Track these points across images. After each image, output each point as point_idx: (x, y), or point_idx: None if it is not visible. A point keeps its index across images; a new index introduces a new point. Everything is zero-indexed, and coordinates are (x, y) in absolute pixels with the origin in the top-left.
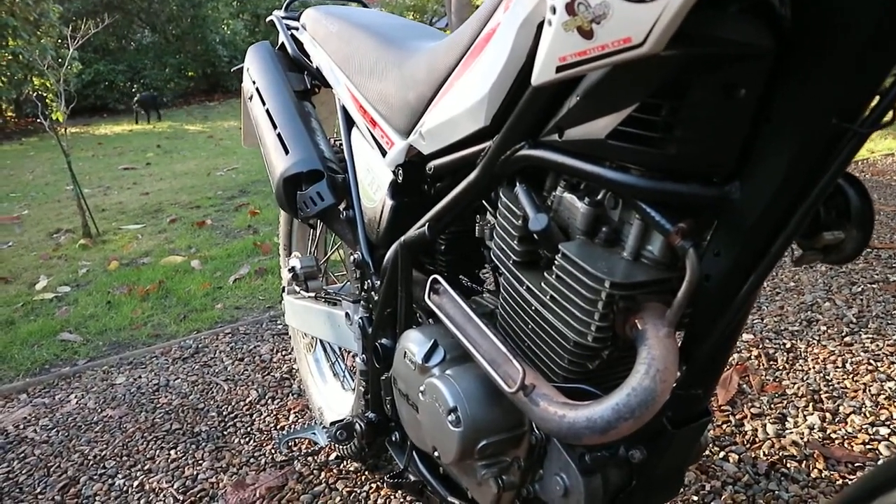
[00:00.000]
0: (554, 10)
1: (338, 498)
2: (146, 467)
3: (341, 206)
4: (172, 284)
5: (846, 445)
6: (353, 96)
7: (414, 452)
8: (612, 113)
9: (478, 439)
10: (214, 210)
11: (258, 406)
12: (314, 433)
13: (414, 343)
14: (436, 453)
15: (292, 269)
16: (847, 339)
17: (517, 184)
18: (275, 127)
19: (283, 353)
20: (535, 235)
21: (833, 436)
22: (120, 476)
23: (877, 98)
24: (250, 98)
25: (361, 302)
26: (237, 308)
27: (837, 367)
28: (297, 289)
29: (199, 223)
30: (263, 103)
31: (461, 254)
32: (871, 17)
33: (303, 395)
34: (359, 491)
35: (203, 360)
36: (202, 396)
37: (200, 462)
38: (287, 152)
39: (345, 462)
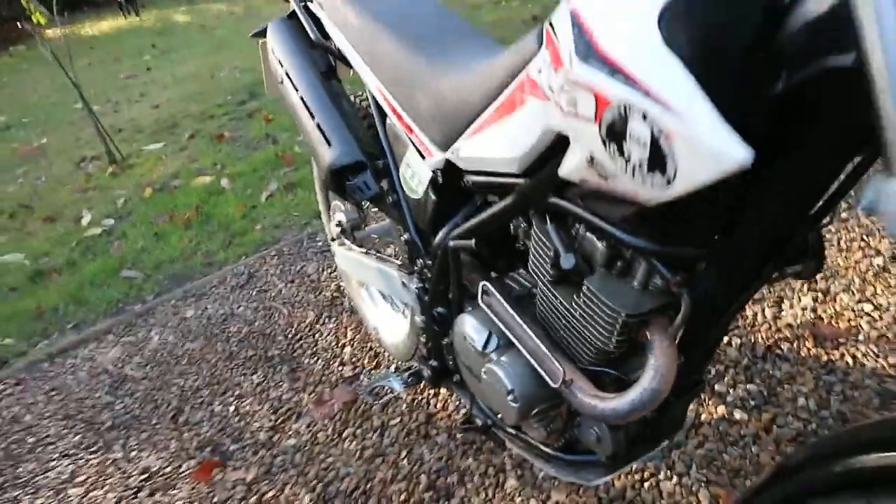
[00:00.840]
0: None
1: (403, 405)
2: (236, 393)
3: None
4: (209, 208)
5: (833, 323)
6: (386, 99)
7: (476, 400)
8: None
9: (531, 409)
10: (228, 119)
11: (318, 326)
12: (390, 381)
13: (472, 330)
14: (499, 415)
15: (339, 223)
16: (843, 214)
17: (548, 221)
18: (312, 116)
19: (328, 271)
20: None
21: (822, 315)
22: (217, 403)
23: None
24: (281, 82)
25: (416, 275)
26: (276, 227)
27: (832, 244)
28: (346, 241)
29: (218, 136)
30: (296, 89)
31: (503, 255)
32: (826, 143)
33: (355, 313)
34: (420, 398)
35: (258, 286)
36: (267, 322)
37: (280, 384)
38: (329, 144)
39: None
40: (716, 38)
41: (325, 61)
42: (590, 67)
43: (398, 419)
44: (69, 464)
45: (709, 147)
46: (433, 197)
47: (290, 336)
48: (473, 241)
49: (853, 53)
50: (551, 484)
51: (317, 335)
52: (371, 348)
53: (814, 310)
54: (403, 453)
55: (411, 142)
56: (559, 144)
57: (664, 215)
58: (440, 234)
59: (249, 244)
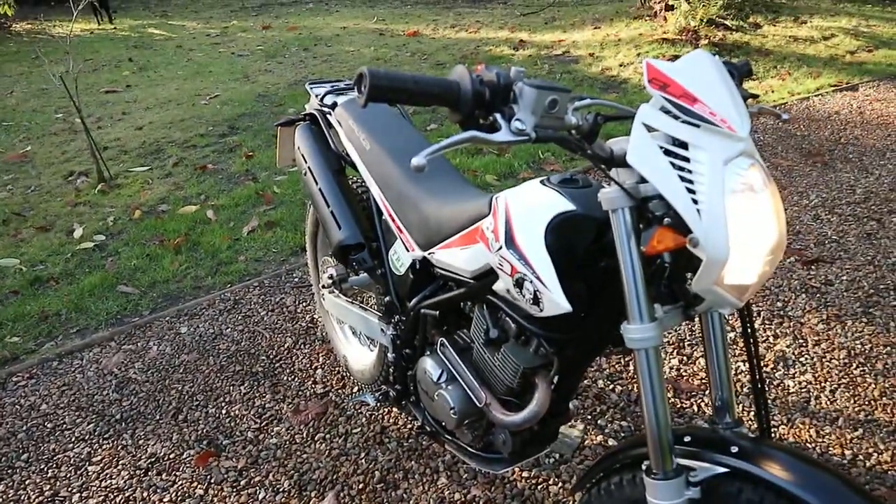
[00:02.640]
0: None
1: (363, 419)
2: (227, 399)
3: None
4: (196, 237)
5: (689, 381)
6: (385, 205)
7: (427, 414)
8: None
9: (463, 420)
10: (211, 151)
11: (295, 350)
12: (366, 397)
13: (431, 367)
14: (443, 424)
15: (331, 277)
16: None
17: (485, 307)
18: (328, 204)
19: (304, 304)
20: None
21: (684, 373)
22: (211, 406)
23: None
24: (305, 173)
25: (391, 325)
26: (257, 261)
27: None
28: (336, 290)
29: (202, 167)
30: (316, 182)
31: (454, 321)
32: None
33: (326, 343)
34: (376, 414)
35: (243, 311)
36: (251, 343)
37: (264, 395)
38: (340, 227)
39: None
40: (568, 249)
41: (338, 162)
42: (511, 253)
43: (359, 429)
44: (85, 447)
45: (556, 303)
46: (411, 276)
47: (271, 356)
48: (438, 312)
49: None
50: (472, 482)
51: (294, 358)
52: (338, 372)
53: (678, 369)
54: (363, 454)
55: (400, 238)
56: (492, 271)
57: (549, 319)
58: (413, 302)
59: (234, 273)
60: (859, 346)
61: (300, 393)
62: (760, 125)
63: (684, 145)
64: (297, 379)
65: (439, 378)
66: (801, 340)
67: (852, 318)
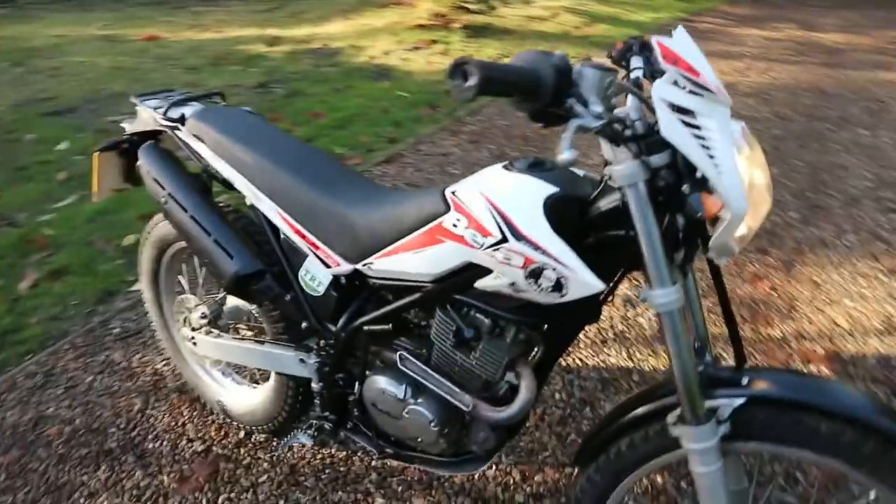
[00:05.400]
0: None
1: (264, 464)
2: (85, 493)
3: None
4: None
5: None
6: (287, 221)
7: (381, 436)
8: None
9: (444, 429)
10: None
11: (149, 411)
12: (299, 437)
13: (389, 385)
14: (419, 439)
15: (204, 315)
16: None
17: (449, 309)
18: (208, 233)
19: (138, 356)
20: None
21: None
22: None
23: None
24: (165, 202)
25: (314, 353)
26: (56, 319)
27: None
28: (213, 330)
29: None
30: (185, 209)
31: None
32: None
33: (184, 392)
34: (275, 455)
35: (63, 383)
36: (89, 417)
37: (133, 473)
38: (231, 257)
39: (254, 435)
40: (567, 229)
41: (202, 183)
42: (522, 244)
43: (265, 476)
44: None
45: (586, 284)
46: (334, 294)
47: (122, 426)
48: (391, 324)
49: (626, 229)
50: (409, 492)
51: (152, 419)
52: (214, 421)
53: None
54: (281, 502)
55: (314, 254)
56: (469, 268)
57: (529, 305)
58: (343, 321)
59: (31, 341)
60: None
61: (177, 458)
62: None
63: (690, 115)
64: (166, 443)
65: (405, 394)
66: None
67: None
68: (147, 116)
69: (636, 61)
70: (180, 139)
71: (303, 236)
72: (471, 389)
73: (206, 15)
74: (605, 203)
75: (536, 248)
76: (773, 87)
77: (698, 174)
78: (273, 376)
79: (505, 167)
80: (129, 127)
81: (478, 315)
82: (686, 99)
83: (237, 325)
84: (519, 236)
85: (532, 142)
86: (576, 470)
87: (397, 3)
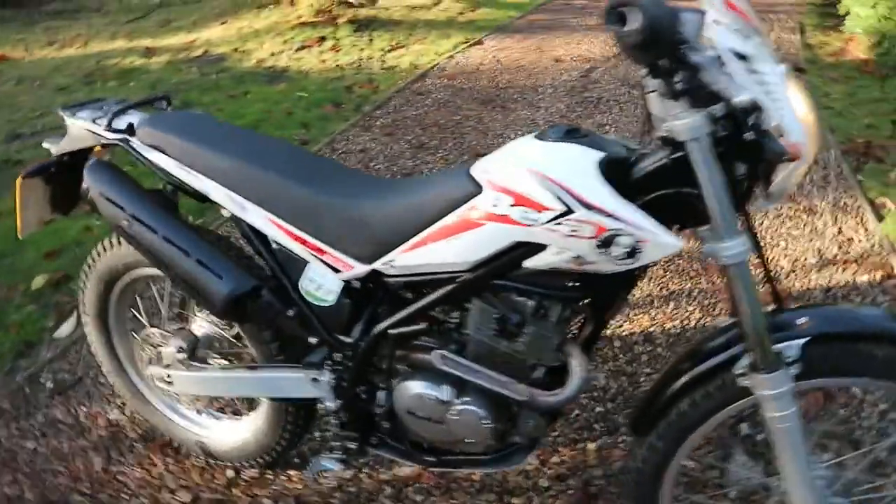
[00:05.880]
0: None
1: (267, 500)
2: None
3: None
4: None
5: None
6: (284, 230)
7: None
8: None
9: (497, 424)
10: None
11: (114, 468)
12: (325, 464)
13: (427, 388)
14: (466, 439)
15: (181, 348)
16: None
17: (489, 296)
18: (187, 254)
19: (84, 407)
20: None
21: None
22: None
23: None
24: (128, 226)
25: (327, 369)
26: None
27: None
28: (194, 363)
29: None
30: (154, 231)
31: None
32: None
33: (150, 440)
34: (275, 488)
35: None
36: (43, 490)
37: None
38: (221, 276)
39: (243, 472)
40: (623, 190)
41: (166, 199)
42: (592, 213)
43: None
44: None
45: (666, 244)
46: (347, 301)
47: (86, 491)
48: (422, 324)
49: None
50: (431, 499)
51: (119, 476)
52: (193, 465)
53: None
54: None
55: (320, 260)
56: (513, 248)
57: (575, 283)
58: (358, 330)
59: None
60: None
61: None
62: (431, 86)
63: (750, 61)
64: (144, 499)
65: (449, 395)
66: None
67: None
68: (81, 131)
69: None
70: (134, 151)
71: (304, 242)
72: (520, 378)
73: (63, 31)
74: (650, 163)
75: (608, 215)
76: None
77: (760, 120)
78: (264, 404)
79: (538, 138)
80: (57, 147)
81: (520, 298)
82: (744, 45)
83: (211, 356)
84: (588, 206)
85: (446, 129)
86: (631, 440)
87: (275, 2)
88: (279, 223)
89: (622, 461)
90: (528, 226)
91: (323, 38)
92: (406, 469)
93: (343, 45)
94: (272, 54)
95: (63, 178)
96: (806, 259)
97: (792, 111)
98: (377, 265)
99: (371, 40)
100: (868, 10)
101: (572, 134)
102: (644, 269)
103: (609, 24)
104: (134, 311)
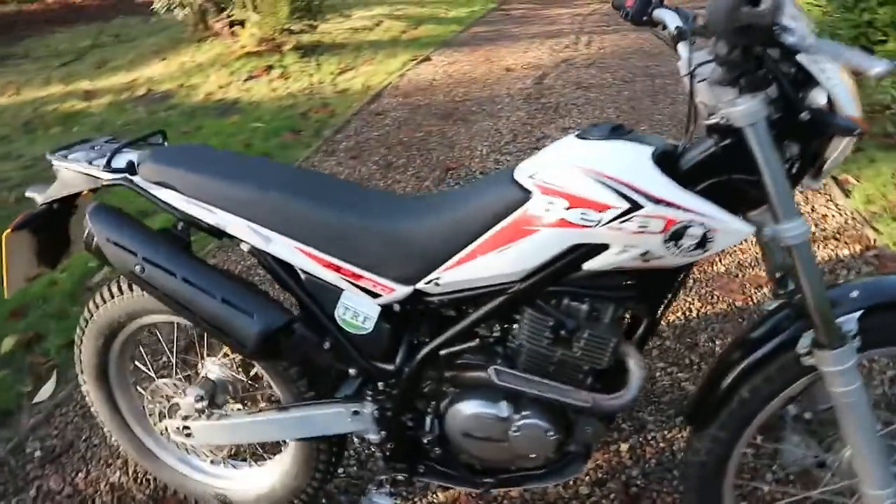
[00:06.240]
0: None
1: None
2: None
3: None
4: None
5: None
6: (315, 258)
7: (468, 466)
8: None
9: (562, 434)
10: None
11: None
12: (377, 500)
13: (483, 407)
14: (530, 455)
15: (201, 397)
16: None
17: (541, 304)
18: (211, 294)
19: (81, 475)
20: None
21: None
22: None
23: None
24: (140, 272)
25: (368, 400)
26: None
27: None
28: (216, 411)
29: None
30: (172, 273)
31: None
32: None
33: (160, 500)
34: None
35: None
36: None
37: None
38: (251, 314)
39: None
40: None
41: (178, 240)
42: (661, 207)
43: None
44: None
45: (737, 231)
46: (386, 326)
47: None
48: (471, 341)
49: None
50: None
51: None
52: None
53: None
54: None
55: (355, 286)
56: (572, 251)
57: (630, 281)
58: (401, 355)
59: None
60: None
61: None
62: (387, 105)
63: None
64: None
65: (508, 411)
66: None
67: None
68: (73, 175)
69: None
70: (140, 190)
71: (337, 269)
72: (576, 384)
73: None
74: (699, 153)
75: (678, 207)
76: (603, 55)
77: (810, 100)
78: (291, 444)
79: (581, 137)
80: (44, 195)
81: (573, 303)
82: (796, 25)
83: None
84: (655, 200)
85: (411, 146)
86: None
87: (214, 35)
88: (309, 251)
89: (656, 458)
90: (588, 227)
91: (270, 67)
92: (440, 495)
93: (292, 72)
94: (220, 87)
95: (50, 229)
96: None
97: (846, 86)
98: (420, 285)
99: (319, 65)
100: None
101: (617, 131)
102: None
103: (742, 5)
104: (138, 363)
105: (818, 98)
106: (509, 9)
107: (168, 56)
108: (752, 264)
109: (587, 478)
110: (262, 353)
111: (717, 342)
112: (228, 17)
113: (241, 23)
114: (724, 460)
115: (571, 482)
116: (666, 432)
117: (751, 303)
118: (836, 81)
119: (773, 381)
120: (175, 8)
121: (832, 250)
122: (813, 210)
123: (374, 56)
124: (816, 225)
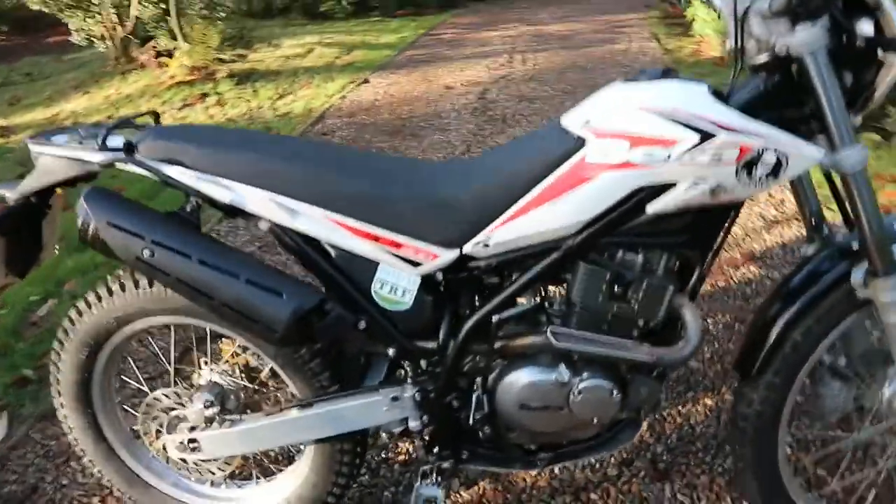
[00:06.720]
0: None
1: None
2: None
3: None
4: None
5: None
6: (351, 228)
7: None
8: None
9: (623, 395)
10: None
11: None
12: (426, 493)
13: (542, 374)
14: (593, 420)
15: (209, 402)
16: None
17: (596, 257)
18: (234, 276)
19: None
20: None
21: None
22: None
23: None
24: (149, 256)
25: (409, 382)
26: None
27: None
28: (228, 418)
29: None
30: (187, 256)
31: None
32: None
33: None
34: None
35: None
36: None
37: None
38: (280, 294)
39: None
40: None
41: (187, 222)
42: (737, 134)
43: None
44: None
45: (809, 155)
46: (428, 298)
47: None
48: (525, 304)
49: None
50: None
51: None
52: None
53: None
54: None
55: (395, 256)
56: (634, 195)
57: (684, 228)
58: (444, 328)
59: None
60: None
61: None
62: (333, 126)
63: None
64: None
65: (567, 375)
66: None
67: None
68: (55, 162)
69: None
70: (143, 168)
71: (376, 238)
72: (630, 336)
73: None
74: (750, 89)
75: (751, 133)
76: (539, 71)
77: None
78: (307, 451)
79: (628, 81)
80: (15, 191)
81: (628, 253)
82: None
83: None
84: (727, 128)
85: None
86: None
87: (140, 66)
88: (344, 221)
89: (676, 433)
90: (653, 167)
91: (205, 95)
92: (464, 494)
93: (228, 99)
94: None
95: (21, 231)
96: (753, 224)
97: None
98: (467, 248)
99: (256, 91)
100: (713, 14)
101: (668, 74)
102: (742, 203)
103: None
104: (125, 378)
105: (865, 27)
106: (439, 34)
107: (91, 90)
108: (727, 248)
109: (613, 459)
110: (293, 338)
111: (708, 321)
112: (154, 47)
113: (169, 53)
114: (779, 408)
115: (598, 465)
116: (680, 408)
117: (732, 282)
118: (888, 3)
119: (824, 322)
120: (96, 40)
121: (797, 230)
122: (770, 195)
123: (311, 80)
124: (776, 209)
